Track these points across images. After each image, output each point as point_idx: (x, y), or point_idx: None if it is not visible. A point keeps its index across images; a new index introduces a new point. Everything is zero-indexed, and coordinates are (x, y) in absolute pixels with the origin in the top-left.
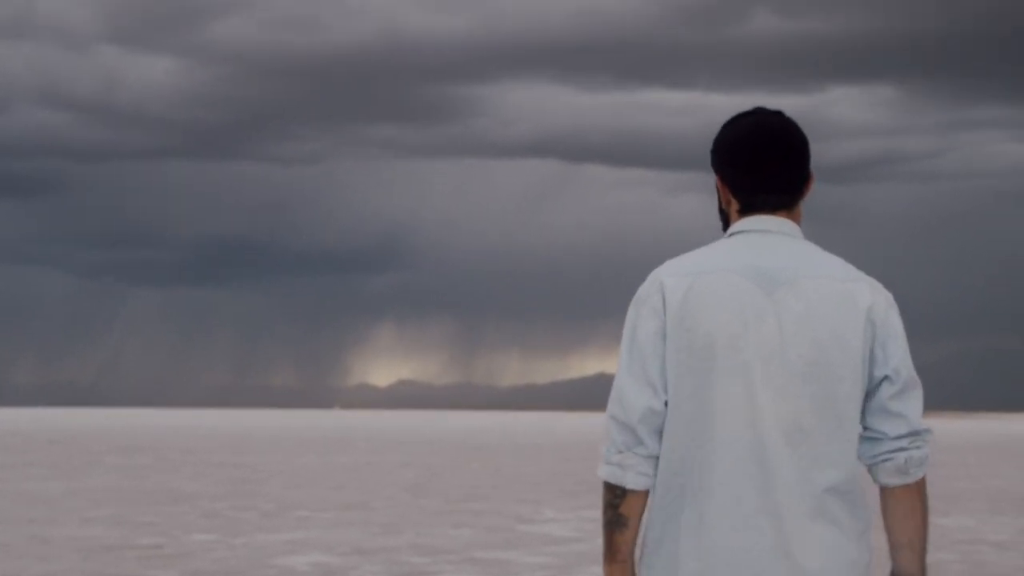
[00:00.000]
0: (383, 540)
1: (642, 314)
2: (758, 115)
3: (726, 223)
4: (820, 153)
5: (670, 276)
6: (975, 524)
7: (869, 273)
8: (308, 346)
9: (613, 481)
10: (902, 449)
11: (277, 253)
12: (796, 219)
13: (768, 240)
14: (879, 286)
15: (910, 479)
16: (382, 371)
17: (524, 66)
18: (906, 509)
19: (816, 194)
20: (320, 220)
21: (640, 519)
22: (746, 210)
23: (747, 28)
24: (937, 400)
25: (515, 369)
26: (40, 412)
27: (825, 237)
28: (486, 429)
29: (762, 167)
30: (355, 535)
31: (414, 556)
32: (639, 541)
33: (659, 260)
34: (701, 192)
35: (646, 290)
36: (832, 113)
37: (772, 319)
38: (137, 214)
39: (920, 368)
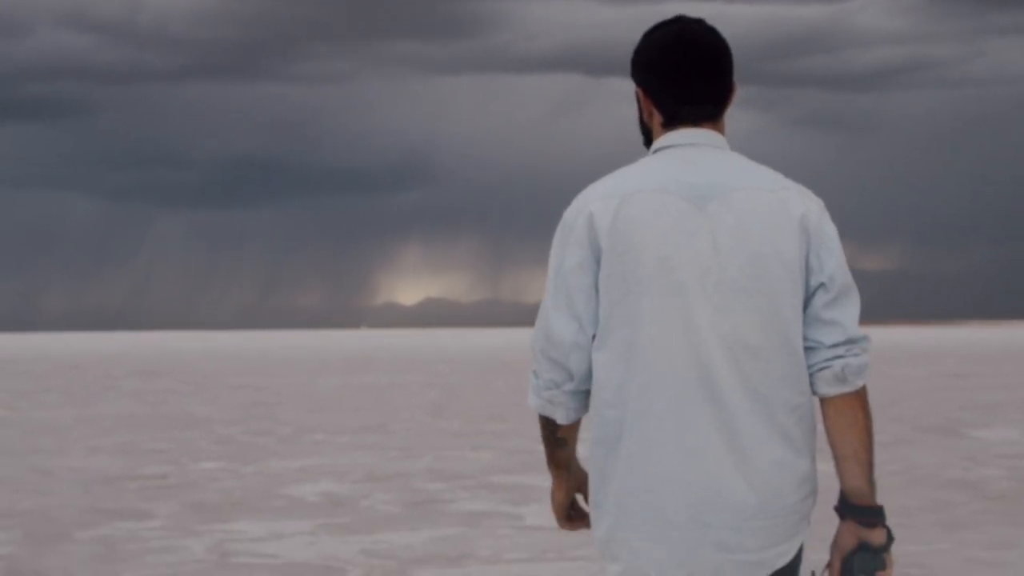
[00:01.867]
0: (398, 465)
1: (568, 243)
2: (681, 23)
3: (647, 137)
4: (846, 61)
5: (597, 200)
6: (1018, 436)
7: (897, 180)
8: (334, 266)
9: (544, 413)
10: (838, 357)
11: (302, 173)
12: (721, 130)
13: (696, 154)
14: (809, 193)
15: (849, 387)
16: (409, 290)
17: None
18: (847, 420)
19: (842, 102)
20: (344, 138)
21: (577, 434)
22: (670, 122)
23: None
24: (964, 309)
25: (542, 285)
26: (69, 337)
27: (851, 146)
28: (512, 346)
29: (687, 77)
30: (370, 460)
31: (429, 482)
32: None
33: None
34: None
35: (572, 217)
36: (858, 20)
37: (705, 235)
38: (162, 135)
39: (946, 277)
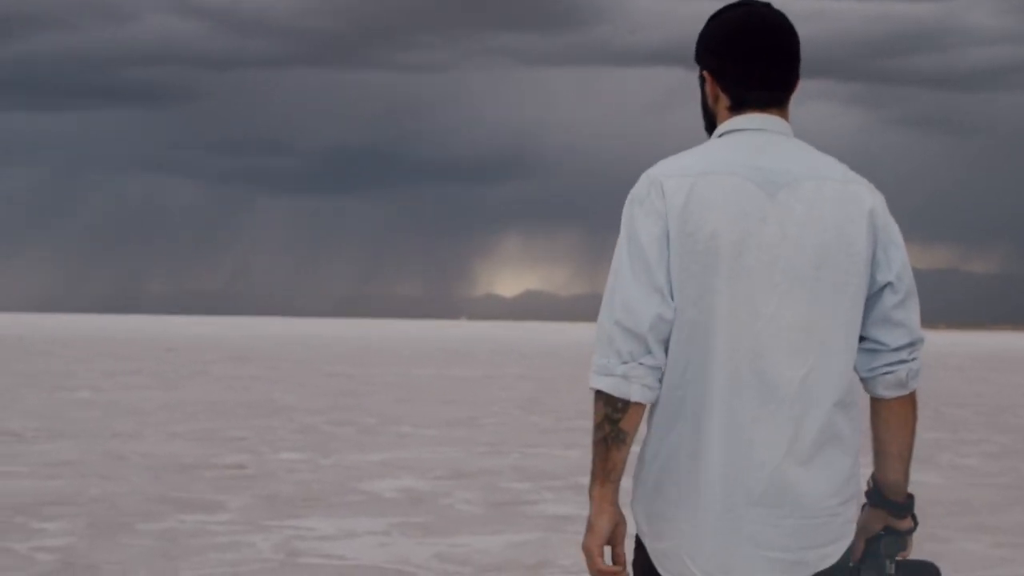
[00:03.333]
0: (484, 461)
1: (644, 216)
2: (750, 6)
3: (710, 122)
4: (953, 60)
5: (669, 177)
6: None
7: (1004, 182)
8: (435, 256)
9: (616, 394)
10: (903, 361)
11: (403, 162)
12: (787, 117)
13: (765, 139)
14: (874, 188)
15: (907, 391)
16: (509, 281)
17: None
18: (900, 420)
19: (949, 102)
20: (446, 128)
21: (635, 434)
22: (737, 107)
23: None
24: None
25: None
26: (169, 320)
27: (957, 146)
28: None
29: (758, 60)
30: (455, 455)
31: (514, 481)
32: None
33: None
34: (830, 100)
35: (644, 190)
36: (966, 19)
37: (775, 222)
38: (264, 122)
39: None
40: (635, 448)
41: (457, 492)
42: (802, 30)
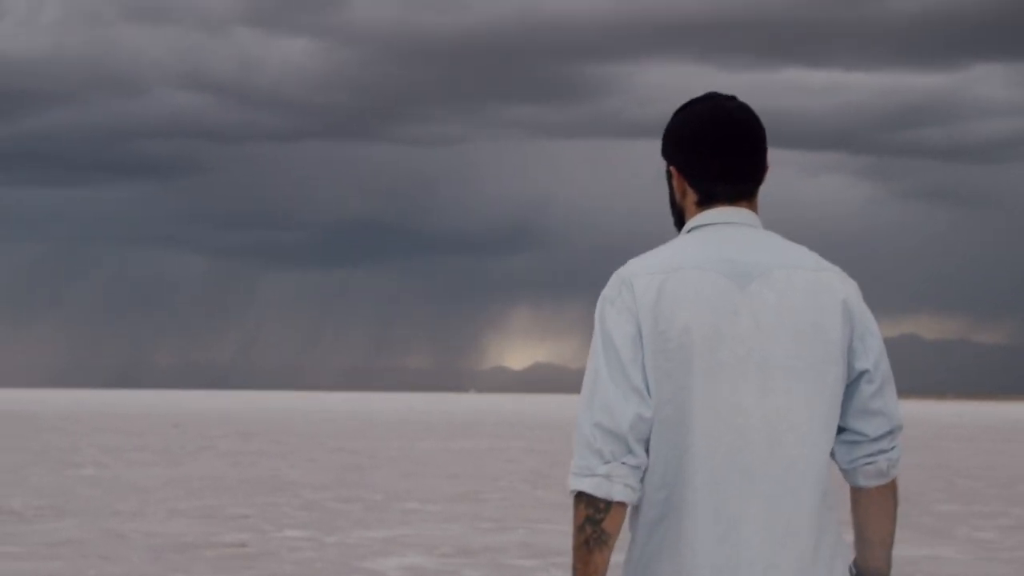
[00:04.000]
0: (490, 538)
1: (615, 315)
2: (716, 100)
3: (679, 217)
4: (963, 132)
5: (639, 276)
6: None
7: (1013, 254)
8: (443, 328)
9: (599, 494)
10: (883, 451)
11: (412, 234)
12: (755, 209)
13: (735, 232)
14: (846, 275)
15: (888, 479)
16: (518, 354)
17: (661, 45)
18: (881, 509)
19: (959, 174)
20: (455, 201)
21: (617, 536)
22: (705, 201)
23: (888, 4)
24: None
25: None
26: (176, 394)
27: (966, 218)
28: None
29: (724, 153)
30: (461, 531)
31: (521, 558)
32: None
33: (798, 241)
34: (844, 173)
35: (615, 291)
36: (976, 91)
37: (747, 314)
38: (273, 196)
39: None
40: (618, 558)
41: (463, 571)
42: (816, 104)
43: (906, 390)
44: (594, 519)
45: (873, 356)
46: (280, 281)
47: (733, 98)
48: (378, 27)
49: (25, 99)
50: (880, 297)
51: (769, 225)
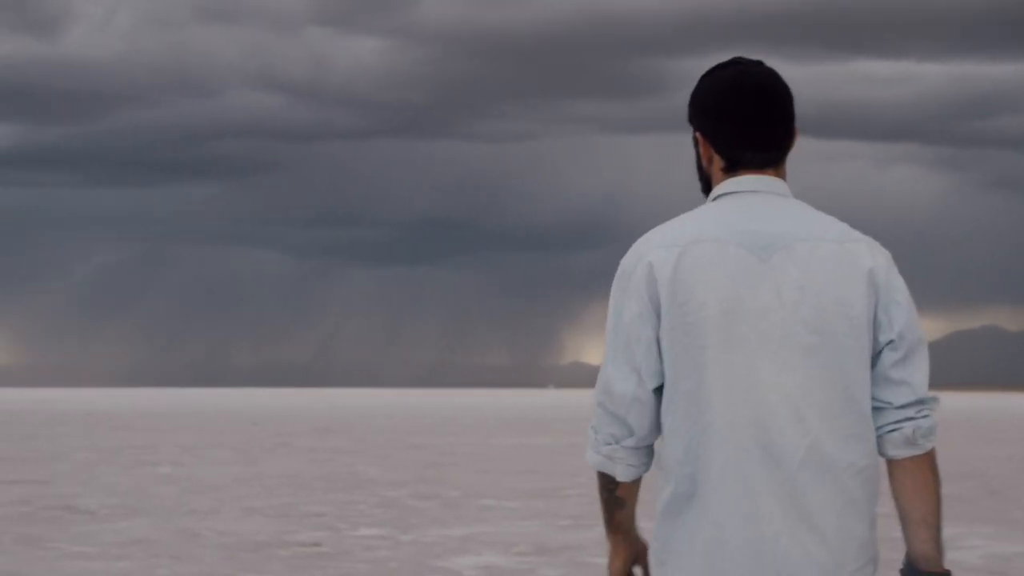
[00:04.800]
0: (569, 536)
1: (626, 294)
2: (742, 65)
3: (706, 183)
4: None
5: (657, 248)
6: None
7: None
8: (521, 324)
9: (604, 471)
10: (909, 419)
11: (487, 231)
12: (783, 176)
13: (759, 201)
14: (878, 245)
15: (919, 450)
16: (596, 349)
17: (731, 38)
18: (917, 483)
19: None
20: (529, 197)
21: (637, 495)
22: (731, 168)
23: None
24: None
25: None
26: (255, 392)
27: None
28: None
29: (750, 120)
30: (539, 529)
31: (600, 556)
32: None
33: (871, 233)
34: (915, 164)
35: (630, 265)
36: None
37: (770, 288)
38: (348, 194)
39: None
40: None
41: (540, 569)
42: (887, 94)
43: (989, 382)
44: (608, 487)
45: (898, 327)
46: (357, 279)
47: (760, 63)
48: (448, 25)
49: (100, 102)
50: (959, 288)
51: (843, 211)
